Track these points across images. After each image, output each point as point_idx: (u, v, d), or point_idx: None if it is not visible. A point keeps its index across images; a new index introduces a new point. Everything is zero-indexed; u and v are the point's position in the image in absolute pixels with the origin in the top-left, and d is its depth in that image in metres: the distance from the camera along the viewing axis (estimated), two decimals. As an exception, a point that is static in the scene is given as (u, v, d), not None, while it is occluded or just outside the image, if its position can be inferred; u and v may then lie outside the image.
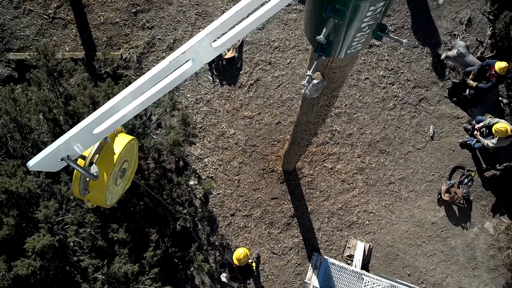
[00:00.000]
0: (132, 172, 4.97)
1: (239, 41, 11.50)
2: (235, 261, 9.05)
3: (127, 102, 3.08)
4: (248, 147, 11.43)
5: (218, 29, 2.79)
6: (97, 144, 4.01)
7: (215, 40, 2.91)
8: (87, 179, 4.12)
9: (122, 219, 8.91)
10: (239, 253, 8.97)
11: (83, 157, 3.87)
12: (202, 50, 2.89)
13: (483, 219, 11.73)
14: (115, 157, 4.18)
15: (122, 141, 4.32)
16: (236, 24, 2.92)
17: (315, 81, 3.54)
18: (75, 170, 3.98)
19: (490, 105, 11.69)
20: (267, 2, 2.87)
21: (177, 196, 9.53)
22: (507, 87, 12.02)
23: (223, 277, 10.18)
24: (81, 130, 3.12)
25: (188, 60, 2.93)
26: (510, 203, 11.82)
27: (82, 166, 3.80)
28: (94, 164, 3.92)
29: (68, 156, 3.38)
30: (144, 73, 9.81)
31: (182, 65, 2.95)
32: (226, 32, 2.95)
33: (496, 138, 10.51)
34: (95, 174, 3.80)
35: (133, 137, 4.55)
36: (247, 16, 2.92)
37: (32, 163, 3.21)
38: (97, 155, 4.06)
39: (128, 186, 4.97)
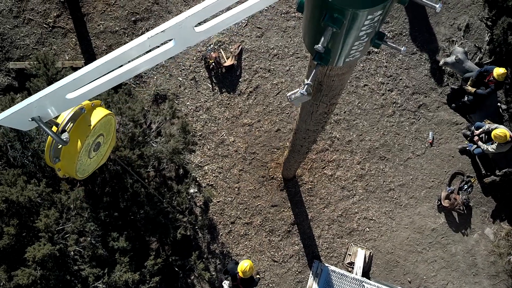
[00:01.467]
0: (109, 148, 4.97)
1: (238, 48, 11.53)
2: (240, 274, 9.06)
3: (102, 71, 3.06)
4: (248, 154, 11.44)
5: (201, 12, 2.79)
6: (71, 113, 4.02)
7: (199, 25, 2.92)
8: (59, 146, 4.12)
9: (122, 228, 8.90)
10: (244, 266, 8.98)
11: (57, 124, 3.87)
12: (184, 32, 2.89)
13: (483, 225, 11.72)
14: (90, 128, 4.19)
15: (98, 114, 4.33)
16: (222, 12, 2.93)
17: (298, 94, 3.55)
18: (48, 138, 4.01)
19: (488, 111, 11.70)
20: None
21: (177, 204, 9.53)
22: (506, 92, 12.04)
23: (225, 285, 10.16)
24: (53, 92, 3.08)
25: (170, 40, 2.94)
26: (510, 209, 11.81)
27: (55, 132, 3.79)
28: (66, 132, 3.91)
29: (39, 117, 3.36)
30: (144, 81, 9.82)
31: (163, 44, 2.96)
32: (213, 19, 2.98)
33: (496, 144, 10.53)
34: (65, 139, 3.78)
35: (111, 112, 4.54)
36: (235, 7, 2.94)
37: (1, 117, 3.18)
38: (71, 124, 4.07)
39: (103, 161, 4.98)
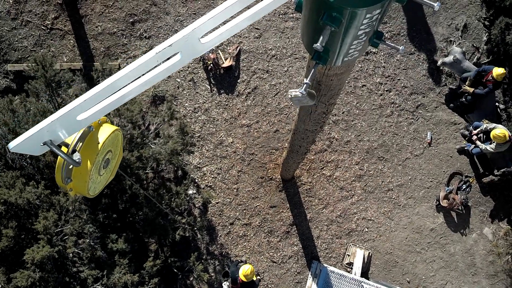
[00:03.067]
0: (117, 164, 4.96)
1: (236, 49, 11.54)
2: (242, 278, 9.08)
3: (111, 90, 3.08)
4: (246, 155, 11.44)
5: (206, 24, 2.80)
6: (80, 132, 4.01)
7: (205, 36, 2.93)
8: (70, 166, 4.12)
9: (121, 230, 8.89)
10: (245, 270, 9.00)
11: (66, 145, 3.87)
12: (190, 45, 2.90)
13: (482, 225, 11.73)
14: (99, 146, 4.18)
15: (106, 130, 4.32)
16: (226, 22, 2.94)
17: (298, 94, 3.55)
18: (58, 159, 4.00)
19: (487, 110, 11.72)
20: (259, 1, 2.89)
21: (176, 205, 9.52)
22: (504, 92, 12.07)
23: (225, 286, 10.16)
24: (64, 115, 3.09)
25: (177, 53, 2.94)
26: (508, 208, 11.82)
27: (65, 152, 3.79)
28: (77, 152, 3.91)
29: (51, 141, 3.36)
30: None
31: (170, 58, 2.96)
32: (216, 29, 2.97)
33: (494, 144, 10.54)
34: (77, 160, 3.79)
35: (117, 127, 4.54)
36: (238, 15, 2.95)
37: (13, 144, 3.17)
38: (81, 143, 4.06)
39: (112, 177, 4.97)
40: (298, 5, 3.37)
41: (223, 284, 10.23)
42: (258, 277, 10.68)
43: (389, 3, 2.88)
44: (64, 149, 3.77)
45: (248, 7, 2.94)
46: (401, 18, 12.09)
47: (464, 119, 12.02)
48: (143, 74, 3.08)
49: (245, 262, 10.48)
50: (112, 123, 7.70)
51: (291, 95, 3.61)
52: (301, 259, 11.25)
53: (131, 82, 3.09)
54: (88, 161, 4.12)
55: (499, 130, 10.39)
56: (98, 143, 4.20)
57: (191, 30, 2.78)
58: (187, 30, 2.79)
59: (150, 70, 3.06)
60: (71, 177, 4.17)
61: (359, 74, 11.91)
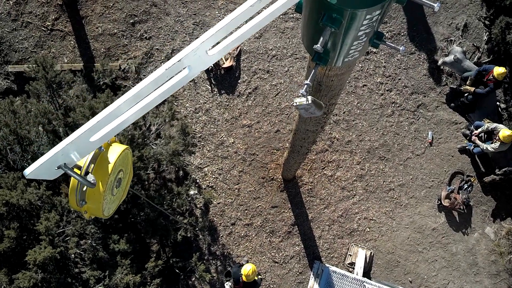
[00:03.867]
0: (128, 182, 4.95)
1: (237, 49, 11.55)
2: (244, 277, 9.08)
3: (123, 109, 3.09)
4: (247, 155, 11.44)
5: (214, 37, 2.81)
6: (92, 154, 4.02)
7: (211, 48, 2.93)
8: (84, 189, 4.11)
9: (123, 230, 8.90)
10: (247, 270, 8.98)
11: (79, 167, 3.87)
12: (198, 58, 2.90)
13: (484, 224, 11.73)
14: (110, 166, 4.17)
15: (116, 150, 4.31)
16: (232, 32, 2.94)
17: (310, 100, 3.53)
18: (70, 182, 4.00)
19: (488, 110, 11.72)
20: (263, 10, 2.89)
21: (177, 206, 9.52)
22: (505, 92, 12.05)
23: (227, 286, 10.16)
24: (78, 138, 3.12)
25: (185, 67, 2.95)
26: (510, 207, 11.81)
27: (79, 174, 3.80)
28: (90, 174, 3.92)
29: (65, 164, 3.38)
30: (143, 83, 9.71)
31: (178, 72, 2.97)
32: (222, 40, 2.97)
33: (498, 144, 10.51)
34: (92, 182, 3.80)
35: (127, 146, 4.54)
36: (243, 24, 2.94)
37: (28, 171, 3.20)
38: (92, 165, 4.06)
39: (124, 196, 4.96)
40: (298, 6, 3.37)
41: (225, 284, 10.23)
42: (260, 276, 10.67)
43: (389, 4, 2.88)
44: (77, 171, 3.77)
45: (252, 17, 2.94)
46: (401, 18, 12.08)
47: (465, 118, 12.01)
48: (154, 90, 3.09)
49: (247, 262, 10.49)
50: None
51: (296, 104, 3.59)
52: (303, 259, 11.25)
53: (143, 99, 3.10)
54: (101, 182, 4.12)
55: (508, 132, 10.32)
56: (110, 163, 4.20)
57: (199, 44, 2.79)
58: (195, 44, 2.79)
59: (160, 86, 3.07)
60: (86, 199, 4.18)
61: (359, 74, 11.91)
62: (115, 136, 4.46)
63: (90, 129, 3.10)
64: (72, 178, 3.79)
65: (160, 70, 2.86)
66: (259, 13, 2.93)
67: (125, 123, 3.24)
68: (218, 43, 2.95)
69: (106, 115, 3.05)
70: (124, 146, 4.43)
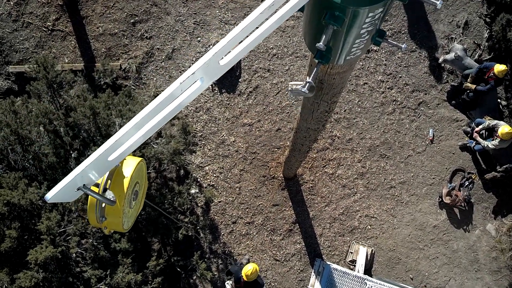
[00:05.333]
0: (144, 193, 4.97)
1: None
2: (244, 277, 9.05)
3: (140, 126, 3.11)
4: (248, 154, 11.44)
5: (225, 47, 2.81)
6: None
7: (223, 58, 2.94)
8: (103, 205, 4.13)
9: (124, 229, 8.90)
10: (248, 269, 8.94)
11: (96, 185, 3.88)
12: (210, 69, 2.91)
13: (485, 221, 11.73)
14: (127, 181, 4.19)
15: (131, 163, 4.33)
16: (242, 40, 2.94)
17: (299, 88, 3.54)
18: (89, 200, 4.01)
19: (489, 107, 11.71)
20: (270, 16, 2.89)
21: (178, 205, 9.54)
22: (506, 89, 12.05)
23: (228, 285, 10.16)
24: (97, 159, 3.13)
25: (197, 80, 2.96)
26: (511, 204, 11.82)
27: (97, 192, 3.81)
28: (108, 190, 3.94)
29: (84, 185, 3.39)
30: (144, 82, 9.87)
31: (191, 85, 2.98)
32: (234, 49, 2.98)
33: (498, 140, 10.52)
34: (112, 199, 3.82)
35: (141, 158, 4.56)
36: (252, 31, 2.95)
37: (49, 195, 3.20)
38: (109, 181, 4.08)
39: (141, 207, 4.98)
40: (300, 4, 3.37)
41: (226, 283, 10.24)
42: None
43: (391, 1, 2.88)
44: (94, 188, 3.78)
45: (260, 25, 2.94)
46: (402, 16, 12.08)
47: (466, 116, 12.01)
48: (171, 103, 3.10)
49: (248, 261, 10.49)
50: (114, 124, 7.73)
51: (291, 88, 3.60)
52: (304, 257, 11.26)
53: (160, 112, 3.11)
54: (119, 197, 4.14)
55: (508, 128, 10.34)
56: (126, 177, 4.20)
57: (211, 56, 2.80)
58: (207, 56, 2.80)
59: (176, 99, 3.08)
60: (106, 215, 4.19)
61: (360, 72, 11.91)
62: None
63: (109, 148, 3.11)
64: (90, 196, 3.81)
65: (175, 85, 2.88)
66: (267, 19, 2.93)
67: (141, 139, 3.25)
68: (229, 52, 2.95)
69: (125, 133, 3.06)
70: (138, 159, 4.45)
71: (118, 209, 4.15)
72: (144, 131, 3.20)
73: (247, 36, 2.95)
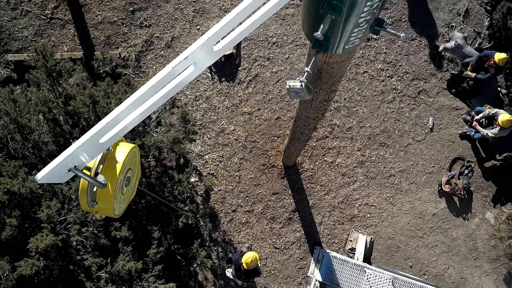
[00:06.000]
0: (137, 180, 4.98)
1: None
2: (244, 265, 9.10)
3: (132, 109, 3.11)
4: (248, 143, 11.45)
5: (219, 33, 2.81)
6: (100, 155, 4.04)
7: (216, 44, 2.93)
8: (94, 189, 4.14)
9: (124, 217, 8.93)
10: (248, 257, 8.98)
11: (88, 169, 3.89)
12: (203, 55, 2.91)
13: (484, 209, 11.77)
14: (119, 166, 4.20)
15: (124, 149, 4.34)
16: (236, 27, 2.93)
17: (298, 85, 3.54)
18: (80, 183, 4.03)
19: (489, 95, 11.70)
20: (265, 2, 2.89)
21: (178, 193, 9.56)
22: (506, 77, 12.03)
23: (228, 273, 10.22)
24: (88, 140, 3.14)
25: (191, 65, 2.95)
26: (510, 193, 11.85)
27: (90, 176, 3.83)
28: (100, 174, 3.94)
29: (75, 166, 3.40)
30: (143, 71, 9.84)
31: (184, 70, 2.97)
32: (227, 35, 2.97)
33: (497, 129, 10.53)
34: (103, 182, 3.83)
35: (134, 144, 4.56)
36: (247, 18, 2.94)
37: (40, 176, 3.23)
38: (101, 166, 4.09)
39: (134, 194, 4.99)
40: (298, -7, 3.36)
41: (226, 271, 10.29)
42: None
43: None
44: (86, 172, 3.79)
45: (256, 11, 2.93)
46: (402, 4, 12.02)
47: (466, 104, 12.00)
48: (162, 88, 3.10)
49: (249, 249, 10.54)
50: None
51: (289, 86, 3.60)
52: (304, 245, 11.30)
53: (151, 97, 3.11)
54: (111, 182, 4.15)
55: (508, 116, 10.34)
56: (118, 163, 4.21)
57: (205, 41, 2.79)
58: (201, 41, 2.80)
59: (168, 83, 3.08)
60: (97, 200, 4.20)
61: (360, 61, 11.88)
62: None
63: (100, 130, 3.11)
64: (81, 180, 3.82)
65: (167, 69, 2.88)
66: (262, 5, 2.92)
67: (134, 122, 3.26)
68: (223, 38, 2.95)
69: (116, 115, 3.06)
70: (131, 145, 4.46)
71: (109, 194, 4.17)
72: (137, 114, 3.20)
73: (242, 22, 2.94)
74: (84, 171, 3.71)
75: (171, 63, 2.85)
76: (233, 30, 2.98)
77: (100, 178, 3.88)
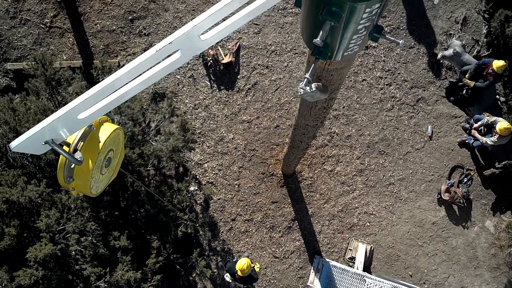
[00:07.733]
0: (119, 163, 4.99)
1: (236, 45, 11.53)
2: (239, 272, 9.08)
3: (112, 89, 3.08)
4: (247, 151, 11.44)
5: (206, 21, 2.80)
6: (81, 131, 4.03)
7: (204, 33, 2.93)
8: (72, 166, 4.13)
9: (123, 227, 8.91)
10: (242, 264, 8.97)
11: (68, 144, 3.88)
12: (190, 42, 2.90)
13: (484, 218, 11.74)
14: (100, 145, 4.19)
15: (107, 129, 4.33)
16: (226, 18, 2.93)
17: (314, 88, 3.57)
18: (60, 158, 4.02)
19: (487, 103, 11.71)
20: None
21: (177, 202, 9.54)
22: (504, 85, 12.05)
23: (227, 277, 10.20)
24: (65, 114, 3.10)
25: (177, 51, 2.94)
26: (510, 201, 11.83)
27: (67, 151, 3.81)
28: (78, 151, 3.92)
29: (52, 140, 3.38)
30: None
31: (170, 55, 2.96)
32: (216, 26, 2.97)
33: (496, 136, 10.53)
34: (79, 159, 3.80)
35: (118, 126, 4.55)
36: (237, 12, 2.94)
37: (14, 144, 3.19)
38: (82, 143, 4.08)
39: (114, 176, 4.99)
40: (297, 0, 3.37)
41: (225, 276, 10.28)
42: (257, 265, 10.57)
43: (388, -3, 2.87)
44: (65, 148, 3.78)
45: (248, 3, 2.93)
46: (400, 12, 12.07)
47: (465, 112, 12.01)
48: (144, 72, 3.09)
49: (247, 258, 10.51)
50: (113, 120, 7.73)
51: (300, 93, 3.61)
52: (303, 254, 11.27)
53: (131, 80, 3.10)
54: (90, 160, 4.13)
55: (506, 124, 10.36)
56: (99, 142, 4.21)
57: (191, 27, 2.78)
58: (187, 27, 2.79)
59: (151, 68, 3.06)
60: (73, 176, 4.19)
61: (359, 69, 11.90)
62: (107, 115, 4.48)
63: (76, 106, 3.09)
64: (61, 155, 3.80)
65: (151, 52, 2.86)
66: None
67: (114, 102, 3.23)
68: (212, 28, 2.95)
69: (94, 93, 3.04)
70: (115, 126, 4.45)
71: (87, 171, 4.16)
72: (117, 95, 3.18)
73: (232, 15, 2.94)
74: (64, 147, 3.70)
75: (155, 46, 2.83)
76: (223, 21, 2.98)
77: (78, 155, 3.85)
